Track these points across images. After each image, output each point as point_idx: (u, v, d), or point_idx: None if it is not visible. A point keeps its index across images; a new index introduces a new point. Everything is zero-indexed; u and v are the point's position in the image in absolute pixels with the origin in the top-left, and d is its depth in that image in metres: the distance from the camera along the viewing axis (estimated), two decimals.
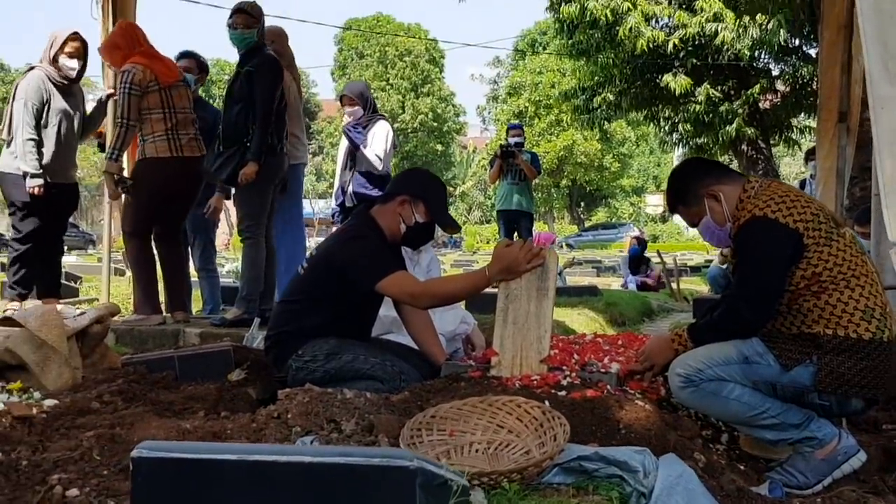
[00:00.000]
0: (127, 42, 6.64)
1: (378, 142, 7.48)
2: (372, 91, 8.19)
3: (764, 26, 14.87)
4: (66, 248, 7.42)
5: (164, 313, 6.87)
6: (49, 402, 3.69)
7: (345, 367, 4.25)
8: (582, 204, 58.93)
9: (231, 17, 6.48)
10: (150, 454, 1.98)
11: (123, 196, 6.88)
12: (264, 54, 6.48)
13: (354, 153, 7.51)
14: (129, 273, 9.64)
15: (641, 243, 17.20)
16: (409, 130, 56.71)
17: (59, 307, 5.31)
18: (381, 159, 7.42)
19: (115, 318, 6.17)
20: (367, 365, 4.25)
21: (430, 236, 4.76)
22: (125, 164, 7.04)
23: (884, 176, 2.60)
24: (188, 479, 2.00)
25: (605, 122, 21.95)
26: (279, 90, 6.48)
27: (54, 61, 6.94)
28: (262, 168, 6.34)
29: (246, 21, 6.45)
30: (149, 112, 6.48)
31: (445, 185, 4.82)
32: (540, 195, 50.93)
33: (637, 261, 16.37)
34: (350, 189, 7.42)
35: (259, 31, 6.52)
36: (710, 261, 19.15)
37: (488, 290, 4.38)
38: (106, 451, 2.97)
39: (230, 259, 20.43)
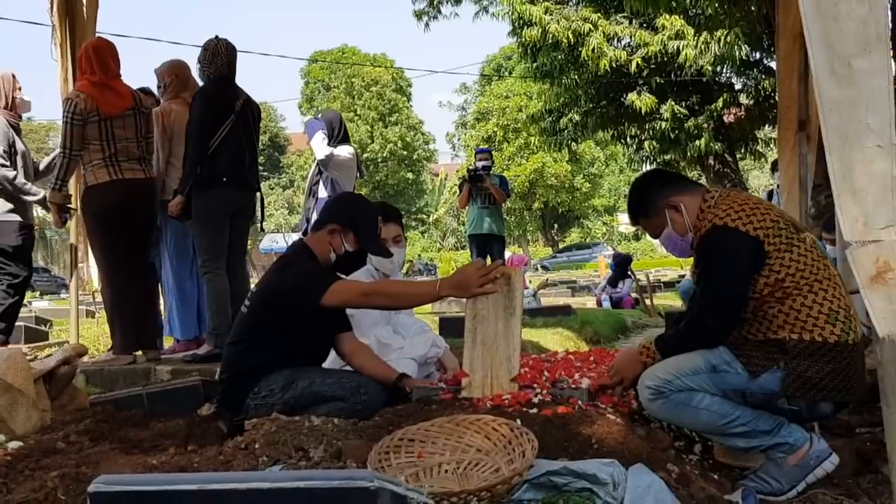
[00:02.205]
0: (85, 64, 6.62)
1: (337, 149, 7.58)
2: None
3: (723, 40, 15.01)
4: (38, 293, 7.41)
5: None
6: (14, 445, 3.66)
7: (303, 394, 4.15)
8: (555, 226, 59.02)
9: None
10: (108, 488, 1.95)
11: (83, 235, 6.87)
12: (200, 88, 6.60)
13: (319, 181, 7.51)
14: (98, 315, 9.56)
15: (617, 258, 17.23)
16: (379, 160, 56.70)
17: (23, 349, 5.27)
18: (324, 154, 7.51)
19: (85, 358, 6.13)
20: (324, 386, 4.16)
21: (361, 263, 4.69)
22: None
23: (835, 177, 2.61)
24: None
25: (573, 143, 22.04)
26: (220, 122, 6.45)
27: (11, 102, 6.92)
28: (205, 200, 6.38)
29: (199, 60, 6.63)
30: (88, 142, 6.44)
31: (377, 211, 4.75)
32: (513, 219, 51.01)
33: (615, 276, 16.35)
34: (313, 216, 7.39)
35: (202, 67, 6.59)
36: (684, 276, 19.23)
37: (460, 313, 4.37)
38: (71, 490, 2.93)
39: None
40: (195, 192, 6.35)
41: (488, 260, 11.78)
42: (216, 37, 6.63)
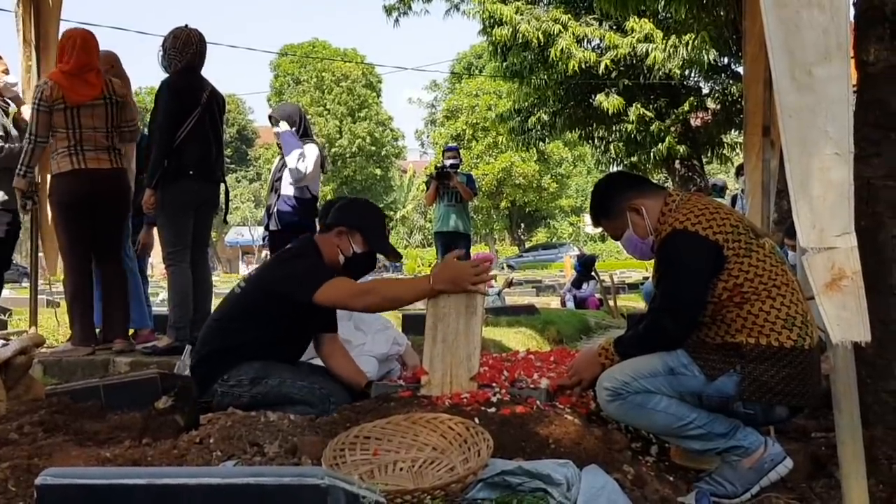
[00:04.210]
0: (60, 53, 6.56)
1: (306, 160, 7.27)
2: (308, 116, 8.02)
3: (691, 44, 15.11)
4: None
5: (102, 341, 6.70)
6: None
7: (271, 392, 4.17)
8: (522, 225, 59.11)
9: None
10: (56, 481, 1.92)
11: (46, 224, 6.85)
12: (166, 80, 6.50)
13: (281, 177, 7.36)
14: (60, 304, 9.44)
15: (582, 258, 17.28)
16: (348, 155, 56.54)
17: None
18: (301, 172, 7.21)
19: (44, 349, 6.07)
20: (293, 388, 4.19)
21: (371, 266, 4.68)
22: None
23: (793, 184, 2.63)
24: None
25: (541, 143, 22.08)
26: (185, 114, 6.40)
27: None
28: (171, 193, 6.34)
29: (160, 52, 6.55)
30: (54, 130, 6.39)
31: (383, 214, 4.76)
32: (480, 217, 51.02)
33: (579, 277, 16.40)
34: (275, 211, 7.27)
35: (167, 55, 6.52)
36: (648, 277, 19.31)
37: (422, 310, 4.34)
38: (22, 482, 2.90)
39: (165, 288, 20.16)
40: (162, 185, 6.30)
41: None
42: (186, 26, 6.56)
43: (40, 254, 7.82)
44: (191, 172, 6.41)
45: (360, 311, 4.46)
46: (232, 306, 4.52)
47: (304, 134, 7.42)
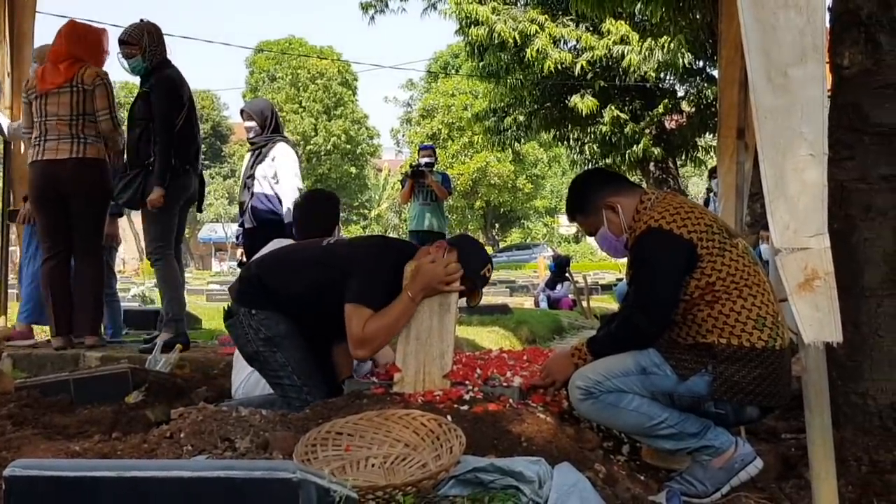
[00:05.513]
0: None
1: (286, 175, 7.14)
2: (283, 113, 7.95)
3: (667, 47, 15.20)
4: None
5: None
6: None
7: (271, 364, 4.18)
8: (496, 225, 59.15)
9: (118, 50, 6.46)
10: (24, 473, 1.90)
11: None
12: (159, 74, 6.38)
13: (253, 174, 7.24)
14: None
15: (556, 259, 17.32)
16: (323, 153, 56.31)
17: None
18: (299, 189, 7.10)
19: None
20: (288, 381, 4.17)
21: None
22: None
23: (767, 184, 2.64)
24: (65, 498, 1.91)
25: (516, 143, 22.15)
26: (181, 108, 6.36)
27: None
28: (174, 188, 6.30)
29: (128, 51, 6.40)
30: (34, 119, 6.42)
31: (490, 260, 4.44)
32: (454, 217, 50.99)
33: (553, 277, 16.45)
34: (249, 208, 7.17)
35: (147, 53, 6.37)
36: (622, 279, 19.39)
37: None
38: None
39: (138, 283, 20.03)
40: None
41: None
42: (142, 20, 6.46)
43: (12, 248, 7.76)
44: (188, 167, 6.43)
45: (361, 357, 4.28)
46: (308, 252, 4.48)
47: (275, 130, 7.33)
